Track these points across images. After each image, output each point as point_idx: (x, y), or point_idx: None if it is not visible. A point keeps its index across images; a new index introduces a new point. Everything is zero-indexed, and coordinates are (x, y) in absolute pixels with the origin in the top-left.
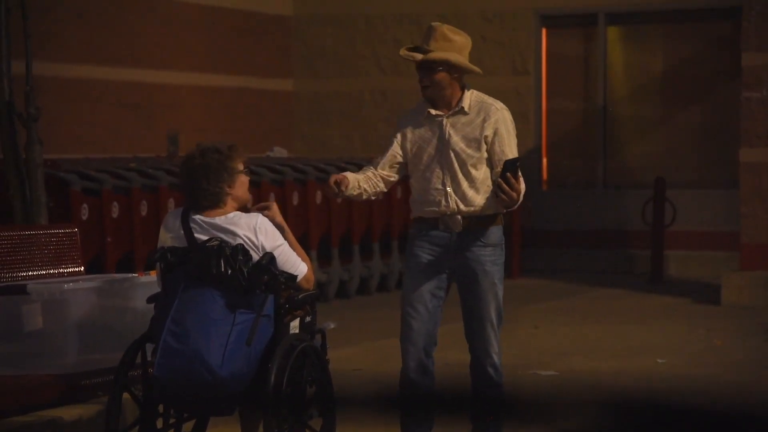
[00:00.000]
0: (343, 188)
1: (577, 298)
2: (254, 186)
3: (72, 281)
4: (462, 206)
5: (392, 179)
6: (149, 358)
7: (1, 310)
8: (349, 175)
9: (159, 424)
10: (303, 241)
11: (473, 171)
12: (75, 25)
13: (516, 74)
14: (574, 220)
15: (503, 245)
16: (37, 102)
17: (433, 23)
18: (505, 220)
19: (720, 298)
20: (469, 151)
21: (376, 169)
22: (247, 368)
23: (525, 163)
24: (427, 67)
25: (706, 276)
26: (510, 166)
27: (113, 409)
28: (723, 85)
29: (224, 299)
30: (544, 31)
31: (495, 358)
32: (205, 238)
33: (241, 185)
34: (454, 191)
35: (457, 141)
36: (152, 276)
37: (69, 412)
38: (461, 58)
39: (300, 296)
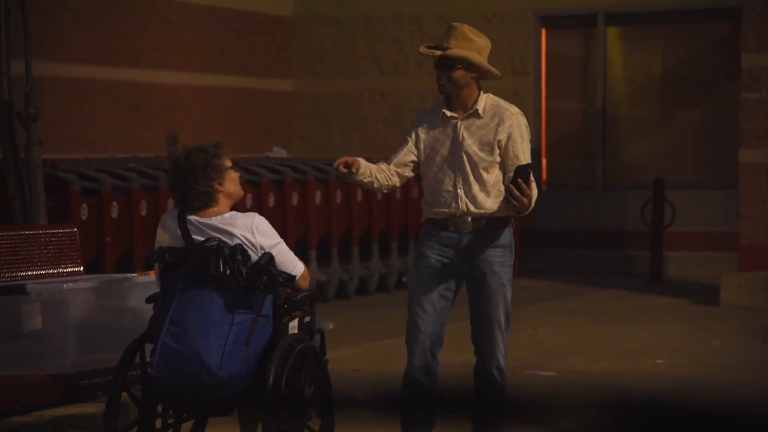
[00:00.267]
0: (353, 170)
1: (576, 299)
2: (254, 186)
3: (71, 281)
4: (472, 208)
5: (407, 174)
6: (148, 359)
7: (1, 310)
8: (360, 159)
9: (158, 424)
10: (302, 241)
11: (485, 174)
12: (74, 26)
13: (515, 75)
14: (573, 221)
15: (513, 247)
16: (36, 102)
17: (455, 23)
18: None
19: (719, 298)
20: (481, 154)
21: (389, 163)
22: (246, 369)
23: None
24: (446, 65)
25: (705, 277)
26: (522, 171)
27: (112, 410)
28: (722, 85)
29: (223, 299)
30: (543, 31)
31: (501, 359)
32: (202, 239)
33: (232, 181)
34: (465, 193)
35: (470, 144)
36: (151, 276)
37: (68, 412)
38: (480, 58)
39: (299, 296)
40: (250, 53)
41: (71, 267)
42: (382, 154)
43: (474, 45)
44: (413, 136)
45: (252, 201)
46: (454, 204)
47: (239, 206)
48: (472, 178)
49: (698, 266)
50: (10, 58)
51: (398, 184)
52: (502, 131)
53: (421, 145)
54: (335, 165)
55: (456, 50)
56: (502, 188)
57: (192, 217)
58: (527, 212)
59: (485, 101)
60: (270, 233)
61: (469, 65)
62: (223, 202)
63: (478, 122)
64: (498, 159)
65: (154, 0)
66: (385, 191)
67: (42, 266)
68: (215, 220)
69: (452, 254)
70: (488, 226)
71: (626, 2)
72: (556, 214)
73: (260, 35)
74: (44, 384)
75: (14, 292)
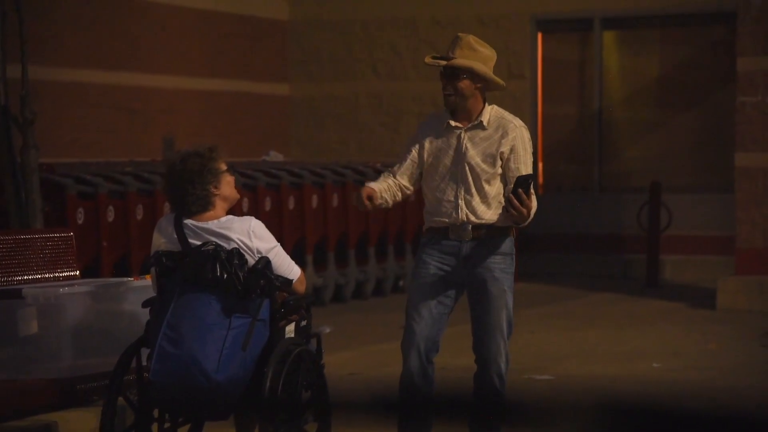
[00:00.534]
0: (376, 202)
1: (572, 303)
2: (250, 190)
3: (67, 285)
4: (473, 218)
5: (408, 192)
6: (144, 363)
7: None
8: (374, 186)
9: (154, 429)
10: (299, 245)
11: (486, 186)
12: (71, 30)
13: (512, 78)
14: (570, 224)
15: (514, 256)
16: (32, 106)
17: (460, 33)
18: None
19: (715, 302)
20: (484, 166)
21: (395, 177)
22: (243, 373)
23: None
24: (451, 75)
25: (701, 280)
26: (522, 182)
27: (108, 414)
28: (718, 89)
29: (220, 304)
30: (539, 35)
31: (502, 366)
32: (198, 243)
33: (227, 185)
34: (466, 204)
35: (473, 155)
36: (147, 280)
37: (64, 417)
38: (485, 68)
39: (295, 300)
40: (247, 57)
41: (67, 271)
42: (379, 157)
43: (479, 55)
44: (417, 146)
45: (248, 205)
46: (454, 214)
47: (236, 210)
48: (473, 190)
49: (695, 270)
50: (6, 62)
51: (400, 200)
52: (505, 143)
53: (425, 154)
54: (362, 201)
55: (461, 60)
56: (503, 200)
57: (188, 221)
58: (526, 223)
59: (490, 113)
60: (266, 237)
61: (474, 75)
62: (220, 205)
63: (482, 134)
64: (499, 171)
65: (150, 4)
66: (390, 207)
67: (38, 270)
68: (212, 224)
69: (453, 262)
70: (489, 234)
71: (622, 6)
72: (552, 217)
73: (257, 39)
74: (40, 388)
75: (10, 296)
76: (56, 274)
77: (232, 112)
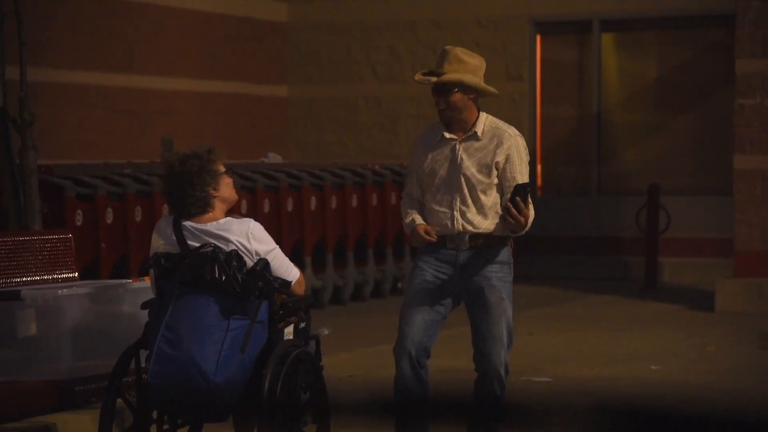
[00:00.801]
0: (433, 233)
1: (571, 305)
2: (249, 192)
3: (66, 287)
4: (469, 228)
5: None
6: (143, 365)
7: None
8: (419, 218)
9: (153, 430)
10: (297, 247)
11: (482, 196)
12: (69, 32)
13: (510, 80)
14: (568, 227)
15: (512, 265)
16: (31, 108)
17: (447, 47)
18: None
19: (714, 304)
20: (479, 176)
21: (412, 196)
22: (242, 374)
23: None
24: (442, 90)
25: (700, 283)
26: (520, 190)
27: (107, 416)
28: (717, 91)
29: (218, 305)
30: (538, 37)
31: (503, 376)
32: (197, 244)
33: (227, 186)
34: (461, 215)
35: (468, 166)
36: (146, 282)
37: (63, 419)
38: (475, 79)
39: (294, 302)
40: (245, 59)
41: (66, 273)
42: (378, 159)
43: (468, 67)
44: (417, 161)
45: (247, 207)
46: (450, 225)
47: (234, 212)
48: (469, 200)
49: (693, 272)
50: (4, 63)
51: None
52: (500, 153)
53: (424, 166)
54: (424, 238)
55: (451, 75)
56: (500, 210)
57: (187, 223)
58: (523, 232)
59: (484, 123)
60: (265, 239)
61: (465, 88)
62: (219, 207)
63: (476, 144)
64: (495, 181)
65: (148, 6)
66: None
67: (37, 272)
68: (210, 226)
69: (449, 271)
70: (486, 244)
71: (621, 8)
72: (551, 219)
73: (255, 41)
74: (39, 390)
75: (9, 298)
76: (55, 276)
77: (231, 113)
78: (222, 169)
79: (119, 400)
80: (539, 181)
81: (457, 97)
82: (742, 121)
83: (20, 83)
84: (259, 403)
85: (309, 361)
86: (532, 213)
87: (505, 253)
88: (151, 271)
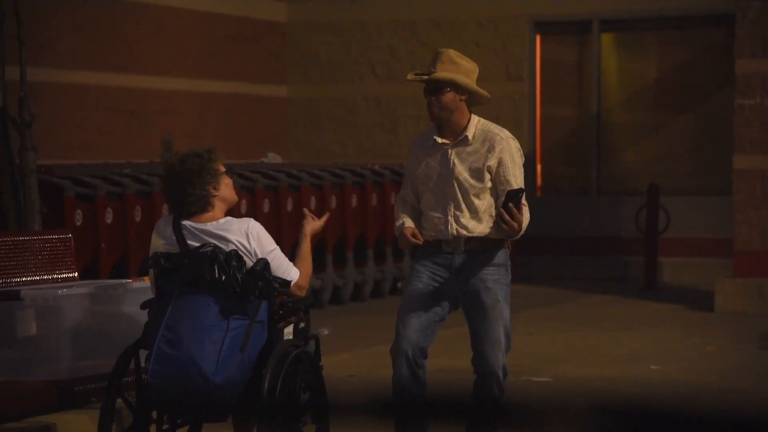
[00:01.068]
0: (419, 237)
1: (570, 305)
2: (248, 192)
3: (66, 287)
4: (464, 233)
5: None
6: (143, 364)
7: None
8: (409, 221)
9: (153, 430)
10: (297, 247)
11: (476, 201)
12: (69, 32)
13: (510, 81)
14: (568, 227)
15: (509, 267)
16: (31, 108)
17: (440, 48)
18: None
19: (713, 304)
20: (472, 181)
21: (406, 201)
22: (241, 374)
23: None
24: (435, 89)
25: (699, 283)
26: (513, 196)
27: (106, 416)
28: (717, 92)
29: (218, 305)
30: (538, 37)
31: (501, 379)
32: (197, 244)
33: (226, 186)
34: (455, 220)
35: (461, 170)
36: (146, 282)
37: (62, 418)
38: (468, 81)
39: (294, 302)
40: (245, 59)
41: (66, 273)
42: (377, 159)
43: (461, 68)
44: (412, 167)
45: (247, 207)
46: (444, 230)
47: (234, 212)
48: (463, 205)
49: (693, 272)
50: (4, 63)
51: None
52: (492, 157)
53: (418, 173)
54: (411, 241)
55: (443, 73)
56: (494, 214)
57: (187, 223)
58: (517, 237)
59: (475, 126)
60: (265, 239)
61: (457, 88)
62: (219, 207)
63: (468, 148)
64: (489, 185)
65: (148, 6)
66: None
67: (36, 272)
68: (210, 226)
69: (445, 274)
70: (482, 247)
71: (621, 9)
72: (550, 220)
73: (255, 41)
74: (39, 390)
75: (9, 297)
76: (55, 276)
77: (231, 113)
78: (222, 168)
79: (119, 400)
80: (539, 181)
81: (449, 96)
82: (741, 121)
83: (20, 83)
84: (259, 403)
85: (308, 361)
86: (527, 216)
87: (501, 256)
88: (151, 271)
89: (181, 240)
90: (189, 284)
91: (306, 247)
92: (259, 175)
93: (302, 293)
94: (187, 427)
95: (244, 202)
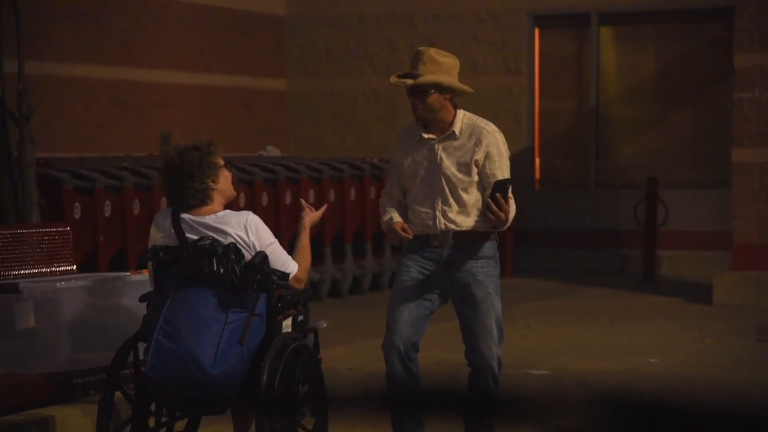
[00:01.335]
0: (410, 231)
1: (569, 298)
2: (247, 185)
3: (64, 280)
4: (452, 227)
5: (405, 204)
6: (141, 357)
7: None
8: (397, 216)
9: (151, 423)
10: (295, 240)
11: (464, 195)
12: (67, 25)
13: (509, 74)
14: (566, 220)
15: (497, 259)
16: (29, 101)
17: (420, 48)
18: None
19: (712, 297)
20: (459, 175)
21: (392, 196)
22: (240, 367)
23: (518, 162)
24: (419, 91)
25: (698, 276)
26: (500, 186)
27: (105, 408)
28: (716, 85)
29: (216, 298)
30: (536, 31)
31: (496, 371)
32: (195, 237)
33: (225, 179)
34: (443, 215)
35: (448, 165)
36: (144, 275)
37: (61, 411)
38: (451, 79)
39: (292, 295)
40: (244, 52)
41: (64, 266)
42: (376, 153)
43: (443, 67)
44: (397, 162)
45: (245, 200)
46: (432, 225)
47: (233, 205)
48: (451, 200)
49: (691, 265)
50: (2, 57)
51: None
52: (479, 151)
53: (404, 168)
54: (401, 236)
55: (427, 77)
56: (481, 207)
57: (186, 216)
58: (504, 228)
59: (462, 121)
60: (264, 232)
61: (441, 88)
62: (217, 200)
63: (455, 143)
64: (476, 179)
65: None
66: None
67: (35, 265)
68: (209, 219)
69: (433, 268)
70: (470, 240)
71: (620, 2)
72: (549, 213)
73: (253, 34)
74: (37, 382)
75: (7, 290)
76: (53, 269)
77: (229, 107)
78: (221, 162)
79: (118, 393)
80: (538, 175)
81: (433, 98)
82: (740, 115)
83: (18, 76)
84: (257, 396)
85: (307, 354)
86: (513, 208)
87: (489, 248)
88: (150, 264)
89: (179, 233)
90: (187, 277)
91: (305, 240)
92: (258, 168)
93: (301, 286)
94: (186, 420)
95: (242, 195)
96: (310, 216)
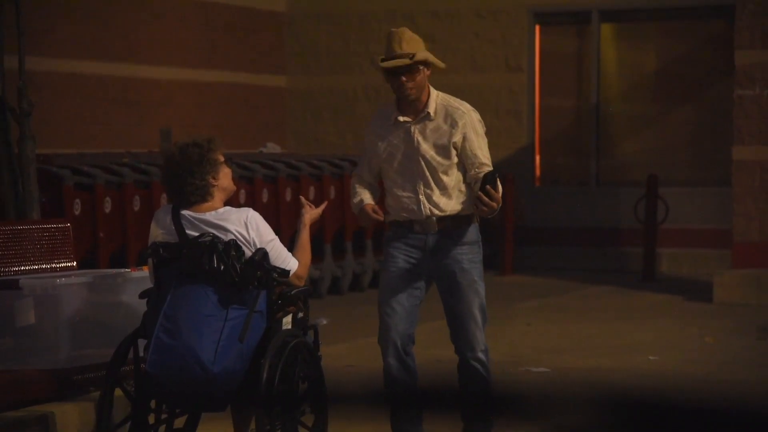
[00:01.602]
0: (381, 212)
1: (569, 296)
2: (247, 182)
3: (64, 276)
4: (436, 212)
5: (377, 188)
6: (141, 354)
7: None
8: (368, 197)
9: (151, 419)
10: (296, 237)
11: (444, 177)
12: (68, 21)
13: (509, 71)
14: (567, 218)
15: (480, 243)
16: (29, 97)
17: (393, 29)
18: (498, 217)
19: (712, 295)
20: (439, 158)
21: (363, 178)
22: (240, 364)
23: (518, 160)
24: (410, 70)
25: (698, 274)
26: (490, 178)
27: (105, 405)
28: (716, 83)
29: (217, 295)
30: (537, 28)
31: (480, 354)
32: (196, 234)
33: (225, 176)
34: (427, 199)
35: (426, 149)
36: (144, 271)
37: (61, 408)
38: (432, 55)
39: (293, 292)
40: (244, 49)
41: (64, 262)
42: None
43: (421, 44)
44: (371, 144)
45: (245, 197)
46: (417, 210)
47: (233, 202)
48: (432, 183)
49: (691, 263)
50: (3, 53)
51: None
52: (456, 133)
53: (379, 152)
54: (372, 217)
55: (423, 53)
56: (464, 188)
57: (186, 212)
58: (494, 214)
59: (435, 102)
60: (264, 229)
61: (428, 64)
62: (218, 197)
63: (431, 125)
64: (456, 160)
65: None
66: None
67: (35, 261)
68: (209, 215)
69: (419, 255)
70: (454, 224)
71: None
72: (549, 210)
73: (254, 31)
74: (37, 379)
75: (7, 287)
76: (53, 265)
77: (229, 103)
78: (222, 158)
79: (117, 390)
80: (538, 172)
81: (423, 74)
82: (741, 113)
83: (19, 72)
84: (257, 393)
85: (307, 351)
86: (500, 191)
87: (473, 232)
88: (150, 260)
89: (180, 230)
90: (188, 274)
91: (305, 237)
92: (258, 165)
93: (301, 283)
94: (186, 417)
95: (243, 192)
96: (311, 213)
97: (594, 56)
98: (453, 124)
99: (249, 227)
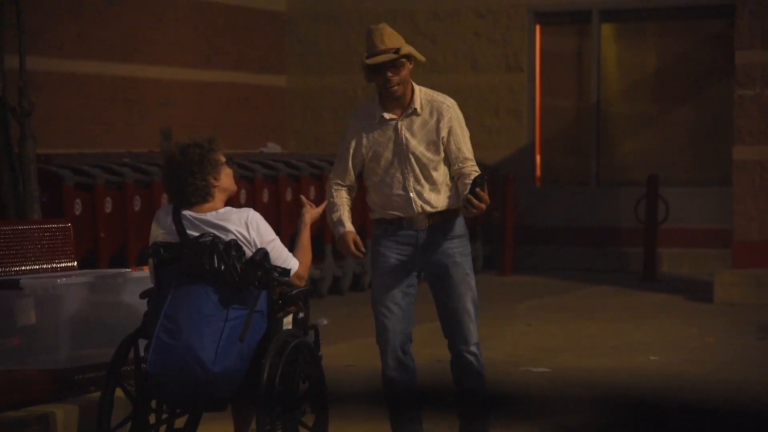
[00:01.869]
0: (360, 245)
1: (569, 296)
2: (248, 181)
3: (65, 276)
4: (427, 209)
5: (355, 188)
6: (142, 354)
7: None
8: (349, 224)
9: (152, 419)
10: (296, 237)
11: (434, 173)
12: (68, 21)
13: (509, 71)
14: (567, 218)
15: (467, 236)
16: (30, 97)
17: (372, 26)
18: (498, 217)
19: (712, 295)
20: (429, 154)
21: (342, 182)
22: (240, 364)
23: (518, 159)
24: (394, 65)
25: (698, 273)
26: (479, 181)
27: (105, 405)
28: (716, 82)
29: (217, 295)
30: (537, 27)
31: (473, 347)
32: (196, 234)
33: (227, 176)
34: (418, 196)
35: (415, 145)
36: (145, 271)
37: (61, 408)
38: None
39: (293, 292)
40: (244, 49)
41: (65, 262)
42: None
43: (402, 38)
44: (353, 144)
45: (246, 196)
46: (408, 207)
47: (233, 202)
48: (422, 180)
49: (692, 263)
50: (3, 52)
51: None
52: (443, 128)
53: (363, 150)
54: (354, 252)
55: (406, 47)
56: (450, 183)
57: (187, 213)
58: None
59: (420, 97)
60: (264, 229)
61: (411, 58)
62: (219, 197)
63: (418, 121)
64: (443, 155)
65: None
66: None
67: (36, 261)
68: (210, 216)
69: (410, 251)
70: (442, 218)
71: None
72: (550, 210)
73: (254, 31)
74: (37, 379)
75: (8, 287)
76: (54, 265)
77: (230, 103)
78: (223, 159)
79: (118, 390)
80: (538, 172)
81: (407, 69)
82: (741, 112)
83: (19, 72)
84: (258, 393)
85: (308, 351)
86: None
87: (460, 225)
88: (150, 260)
89: (180, 230)
90: (188, 274)
91: (305, 237)
92: (259, 165)
93: (302, 283)
94: (186, 417)
95: (243, 192)
96: (311, 213)
97: (594, 56)
98: (439, 119)
99: (249, 227)
